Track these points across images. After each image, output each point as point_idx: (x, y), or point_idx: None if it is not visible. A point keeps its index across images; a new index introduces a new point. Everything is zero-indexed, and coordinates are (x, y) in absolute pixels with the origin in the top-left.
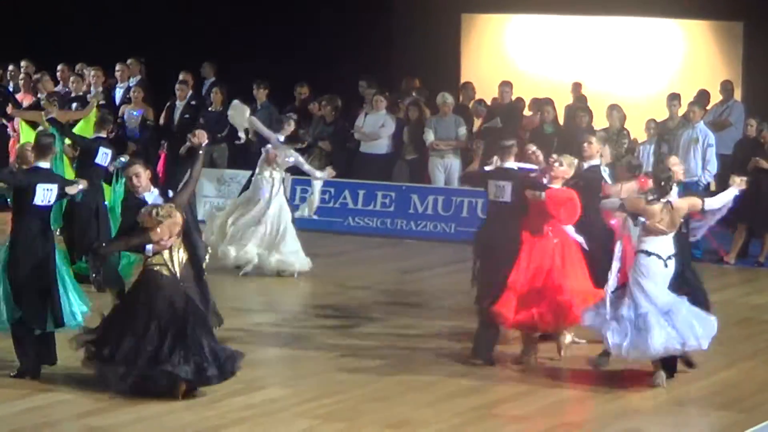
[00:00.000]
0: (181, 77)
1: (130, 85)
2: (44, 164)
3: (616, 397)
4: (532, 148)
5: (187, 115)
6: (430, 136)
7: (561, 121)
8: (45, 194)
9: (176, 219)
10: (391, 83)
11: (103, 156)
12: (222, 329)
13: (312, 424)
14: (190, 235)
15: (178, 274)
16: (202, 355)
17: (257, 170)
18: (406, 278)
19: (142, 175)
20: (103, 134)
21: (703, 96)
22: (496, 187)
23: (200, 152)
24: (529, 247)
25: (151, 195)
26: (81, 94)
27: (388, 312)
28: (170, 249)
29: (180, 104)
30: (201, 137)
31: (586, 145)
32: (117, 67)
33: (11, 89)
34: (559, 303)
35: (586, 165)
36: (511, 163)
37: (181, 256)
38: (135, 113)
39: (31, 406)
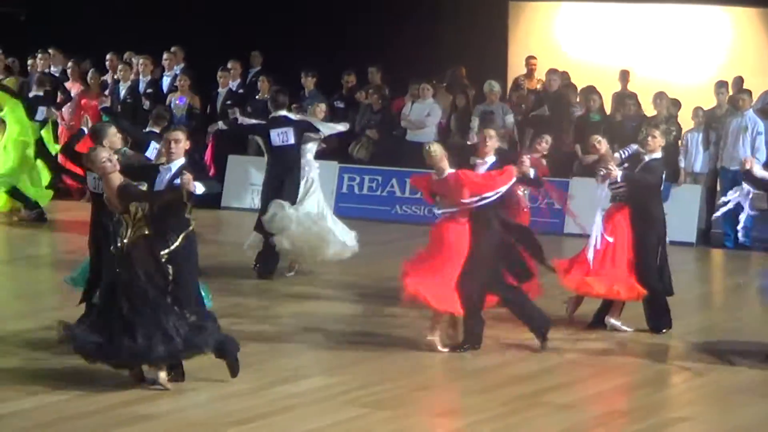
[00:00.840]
0: (228, 65)
1: (176, 73)
2: None
3: (664, 386)
4: (598, 138)
5: (229, 102)
6: (476, 124)
7: (608, 108)
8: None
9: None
10: (438, 71)
11: (153, 150)
12: (269, 318)
13: (360, 412)
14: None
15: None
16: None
17: None
18: None
19: (181, 142)
20: (156, 129)
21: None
22: None
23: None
24: None
25: (175, 165)
26: (129, 82)
27: None
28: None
29: (222, 91)
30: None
31: (650, 138)
32: (164, 56)
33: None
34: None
35: (648, 157)
36: None
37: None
38: (181, 101)
39: (79, 394)
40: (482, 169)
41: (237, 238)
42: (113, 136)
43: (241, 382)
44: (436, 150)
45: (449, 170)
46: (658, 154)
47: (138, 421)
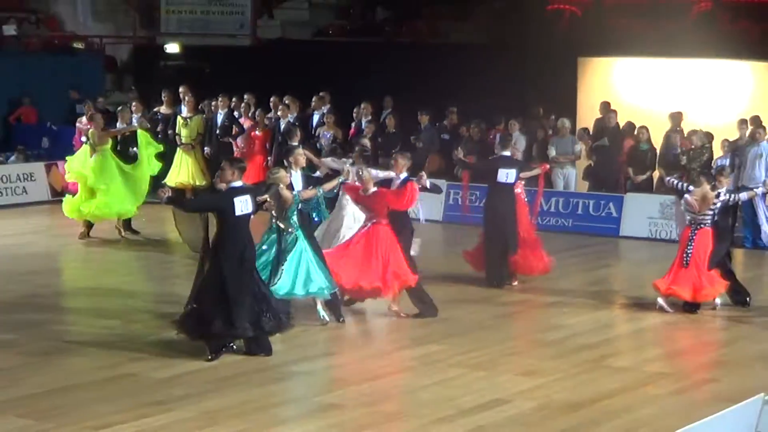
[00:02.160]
0: (362, 106)
1: (324, 111)
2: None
3: (699, 353)
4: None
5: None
6: (552, 152)
7: (658, 143)
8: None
9: None
10: (522, 111)
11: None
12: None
13: (462, 371)
14: None
15: None
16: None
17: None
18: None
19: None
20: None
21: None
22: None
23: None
24: None
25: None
26: (287, 119)
27: (522, 286)
28: None
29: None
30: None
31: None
32: (313, 99)
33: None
34: None
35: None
36: None
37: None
38: (327, 134)
39: (250, 356)
40: (397, 184)
41: None
42: (299, 155)
43: (372, 348)
44: (366, 175)
45: (373, 189)
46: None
47: (293, 376)
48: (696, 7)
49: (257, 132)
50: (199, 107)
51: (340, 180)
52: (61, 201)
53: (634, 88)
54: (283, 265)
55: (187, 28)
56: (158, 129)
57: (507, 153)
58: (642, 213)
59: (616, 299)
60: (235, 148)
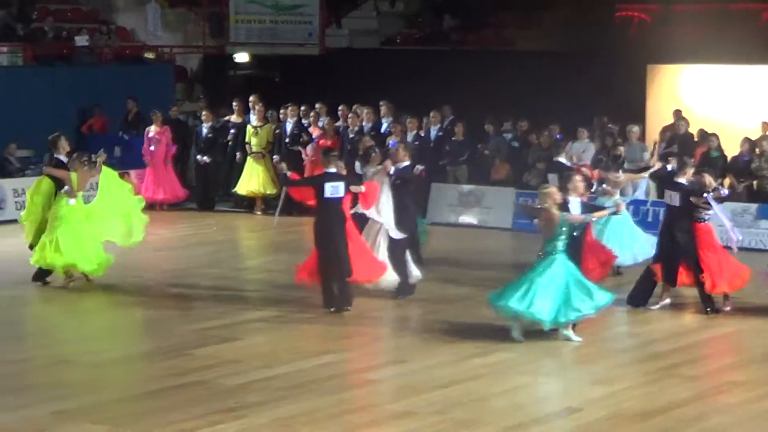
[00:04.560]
0: (431, 114)
1: (391, 120)
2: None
3: None
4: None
5: (416, 143)
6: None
7: (728, 150)
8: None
9: None
10: (590, 118)
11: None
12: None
13: (532, 379)
14: None
15: None
16: None
17: None
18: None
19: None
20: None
21: None
22: None
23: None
24: None
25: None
26: (356, 128)
27: None
28: None
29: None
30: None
31: None
32: (382, 108)
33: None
34: None
35: None
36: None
37: None
38: (393, 143)
39: (321, 363)
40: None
41: None
42: (578, 182)
43: (443, 356)
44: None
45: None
46: None
47: (365, 384)
48: (765, 13)
49: (326, 140)
50: (268, 116)
51: (611, 210)
52: None
53: (703, 96)
54: (536, 288)
55: (256, 37)
56: (228, 138)
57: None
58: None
59: (688, 307)
60: (304, 157)
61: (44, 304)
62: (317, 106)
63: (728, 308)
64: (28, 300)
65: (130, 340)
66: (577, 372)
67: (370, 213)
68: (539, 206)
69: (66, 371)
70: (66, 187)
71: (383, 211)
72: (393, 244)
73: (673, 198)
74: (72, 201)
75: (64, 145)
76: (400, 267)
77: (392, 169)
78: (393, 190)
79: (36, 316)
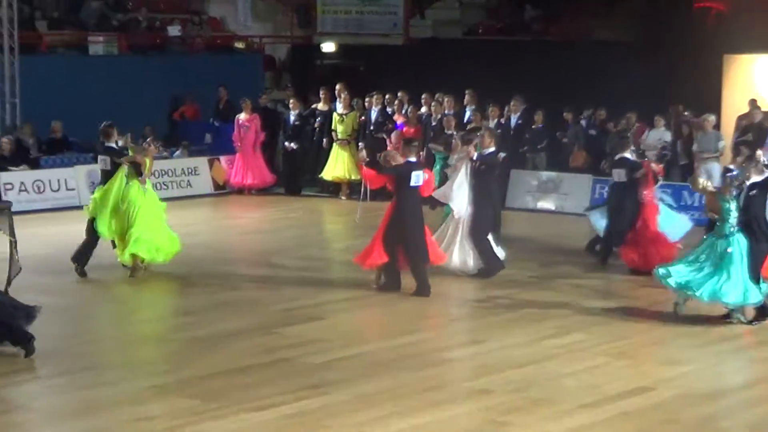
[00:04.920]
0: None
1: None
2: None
3: None
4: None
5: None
6: (695, 147)
7: None
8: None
9: None
10: (664, 107)
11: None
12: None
13: (606, 360)
14: None
15: None
16: None
17: None
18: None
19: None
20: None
21: None
22: None
23: None
24: None
25: None
26: (438, 116)
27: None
28: None
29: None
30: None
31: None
32: (466, 96)
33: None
34: None
35: None
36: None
37: None
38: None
39: (402, 342)
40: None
41: None
42: None
43: (519, 336)
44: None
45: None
46: None
47: (443, 362)
48: None
49: (409, 128)
50: (354, 104)
51: None
52: (224, 194)
53: None
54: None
55: (342, 27)
56: (315, 125)
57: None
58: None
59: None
60: (388, 144)
61: (139, 285)
62: (400, 94)
63: None
64: (123, 280)
65: (221, 319)
66: (649, 353)
67: (437, 194)
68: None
69: (161, 347)
70: (142, 175)
71: (456, 193)
72: (476, 227)
73: None
74: (145, 187)
75: (114, 133)
76: (485, 249)
77: (475, 155)
78: (476, 175)
79: (131, 296)
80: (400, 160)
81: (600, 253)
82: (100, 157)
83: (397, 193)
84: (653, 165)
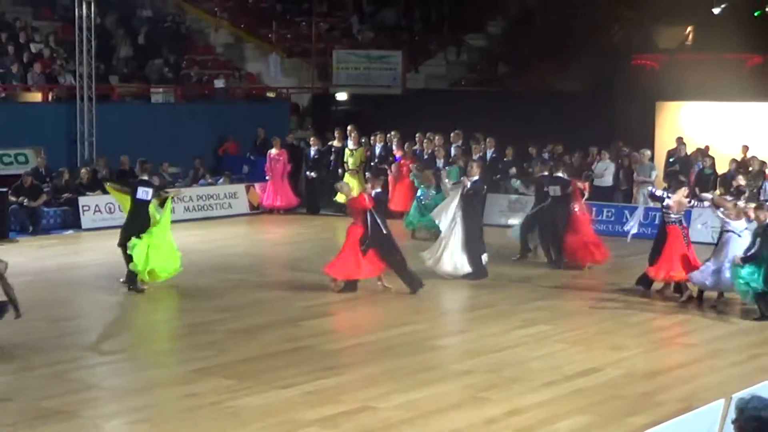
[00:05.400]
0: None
1: (458, 145)
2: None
3: None
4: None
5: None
6: (635, 176)
7: (719, 169)
8: None
9: None
10: (609, 143)
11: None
12: (517, 287)
13: (565, 346)
14: None
15: None
16: None
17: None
18: (621, 261)
19: None
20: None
21: None
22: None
23: None
24: None
25: None
26: (429, 151)
27: (606, 276)
28: None
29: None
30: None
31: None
32: (451, 135)
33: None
34: None
35: None
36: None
37: None
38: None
39: (400, 333)
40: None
41: None
42: None
43: (495, 327)
44: (344, 186)
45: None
46: None
47: (435, 348)
48: (749, 61)
49: (406, 160)
50: (362, 141)
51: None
52: (258, 214)
53: (700, 126)
54: None
55: (353, 80)
56: (332, 158)
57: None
58: (706, 221)
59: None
60: (389, 173)
61: (187, 286)
62: (393, 133)
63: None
64: (175, 283)
65: (254, 314)
66: (599, 341)
67: (434, 213)
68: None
69: (205, 337)
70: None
71: (449, 213)
72: (468, 239)
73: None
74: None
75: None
76: (474, 257)
77: (468, 183)
78: (465, 198)
79: (181, 295)
80: (349, 191)
81: (553, 256)
82: (142, 189)
83: (366, 217)
84: (579, 183)
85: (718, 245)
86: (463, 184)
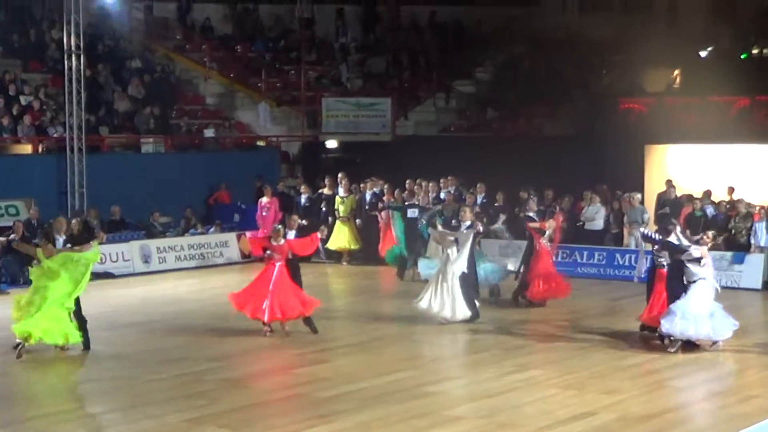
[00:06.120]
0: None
1: (449, 190)
2: None
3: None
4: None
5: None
6: (625, 220)
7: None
8: None
9: None
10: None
11: None
12: (513, 331)
13: (557, 391)
14: None
15: None
16: None
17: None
18: (614, 304)
19: None
20: None
21: None
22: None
23: None
24: None
25: None
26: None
27: (598, 320)
28: None
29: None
30: None
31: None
32: (441, 181)
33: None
34: None
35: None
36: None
37: None
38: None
39: (393, 379)
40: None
41: None
42: None
43: (487, 372)
44: (280, 231)
45: (283, 240)
46: None
47: (426, 395)
48: (735, 105)
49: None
50: (352, 188)
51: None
52: (248, 262)
53: (688, 168)
54: None
55: (343, 128)
56: (322, 206)
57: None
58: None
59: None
60: (380, 219)
61: (180, 335)
62: (381, 181)
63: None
64: (166, 334)
65: (247, 362)
66: (592, 385)
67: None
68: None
69: (198, 386)
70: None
71: (461, 257)
72: (464, 282)
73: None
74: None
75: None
76: (470, 299)
77: (481, 228)
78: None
79: (174, 345)
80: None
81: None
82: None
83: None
84: (534, 224)
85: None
86: (476, 228)
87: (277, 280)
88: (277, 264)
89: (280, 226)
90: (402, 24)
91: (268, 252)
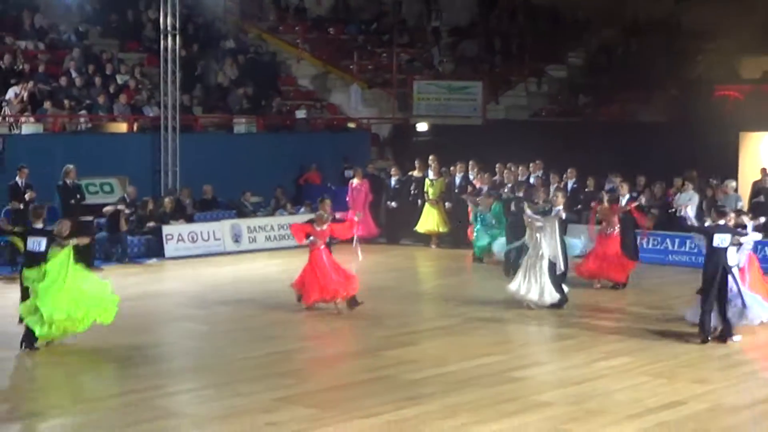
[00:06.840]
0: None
1: (537, 175)
2: None
3: None
4: None
5: None
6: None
7: None
8: None
9: None
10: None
11: None
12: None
13: (647, 378)
14: None
15: None
16: None
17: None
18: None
19: None
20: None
21: None
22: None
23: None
24: None
25: None
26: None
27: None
28: None
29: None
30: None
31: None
32: (530, 165)
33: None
34: None
35: None
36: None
37: None
38: None
39: (482, 363)
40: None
41: None
42: None
43: (575, 359)
44: (323, 215)
45: (326, 226)
46: None
47: (514, 380)
48: None
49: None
50: (442, 171)
51: None
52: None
53: None
54: None
55: (434, 111)
56: (412, 188)
57: None
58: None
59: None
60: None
61: (269, 314)
62: (471, 162)
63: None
64: (256, 312)
65: (335, 343)
66: (682, 373)
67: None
68: None
69: (287, 366)
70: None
71: (551, 244)
72: (552, 267)
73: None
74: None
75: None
76: (558, 284)
77: (564, 214)
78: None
79: (262, 324)
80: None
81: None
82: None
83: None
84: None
85: None
86: (558, 215)
87: (330, 262)
88: (321, 247)
89: (321, 212)
90: (499, 7)
91: (311, 238)
